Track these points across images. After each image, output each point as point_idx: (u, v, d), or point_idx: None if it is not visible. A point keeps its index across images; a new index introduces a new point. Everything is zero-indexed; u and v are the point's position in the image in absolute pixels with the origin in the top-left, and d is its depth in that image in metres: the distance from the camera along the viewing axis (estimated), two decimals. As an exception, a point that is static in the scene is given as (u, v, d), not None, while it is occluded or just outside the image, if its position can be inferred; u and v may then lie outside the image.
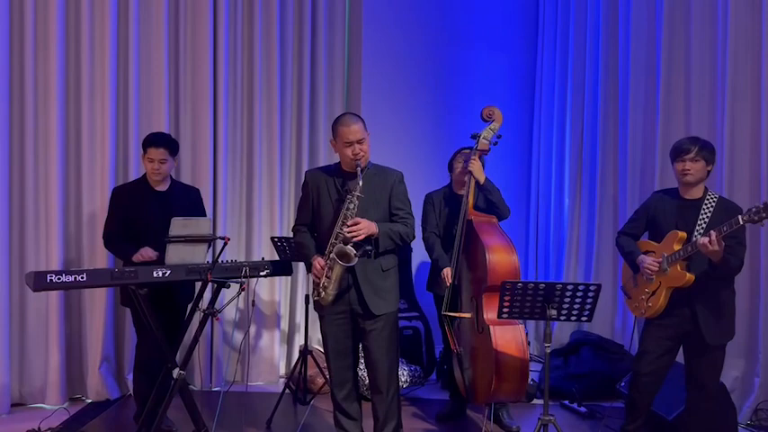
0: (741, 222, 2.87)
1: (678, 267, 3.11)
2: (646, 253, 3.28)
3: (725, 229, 2.91)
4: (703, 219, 3.13)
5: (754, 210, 2.83)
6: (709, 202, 3.16)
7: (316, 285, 3.10)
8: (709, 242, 2.91)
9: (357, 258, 2.95)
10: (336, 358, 3.20)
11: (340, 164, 3.20)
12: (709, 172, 3.20)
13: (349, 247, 2.96)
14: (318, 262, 3.06)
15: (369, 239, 3.03)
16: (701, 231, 3.09)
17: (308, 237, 3.23)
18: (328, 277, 3.02)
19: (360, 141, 3.05)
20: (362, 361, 3.79)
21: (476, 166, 3.74)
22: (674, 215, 3.22)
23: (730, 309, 3.18)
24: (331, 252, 3.01)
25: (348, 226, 2.97)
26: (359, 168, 3.01)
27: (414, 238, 3.24)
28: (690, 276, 3.09)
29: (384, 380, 3.15)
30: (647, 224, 3.38)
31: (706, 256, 3.02)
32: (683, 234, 3.13)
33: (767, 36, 3.88)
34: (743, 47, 4.03)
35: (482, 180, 3.76)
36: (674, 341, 3.23)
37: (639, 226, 3.41)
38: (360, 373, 4.13)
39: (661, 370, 3.26)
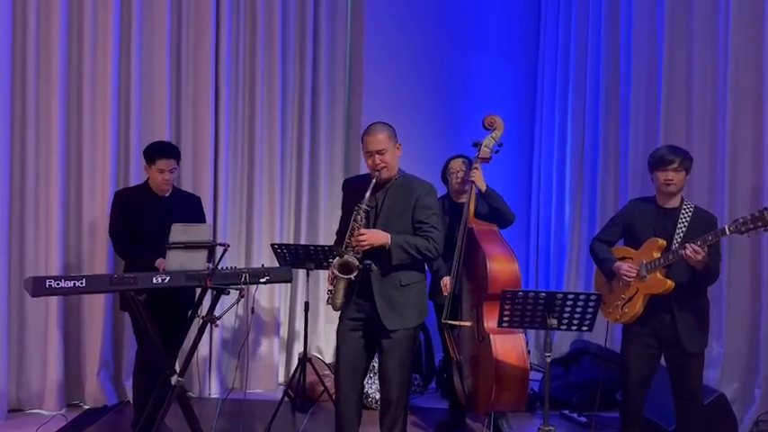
0: (728, 233, 2.91)
1: (658, 274, 3.14)
2: (622, 259, 3.29)
3: (710, 238, 2.95)
4: (681, 227, 3.16)
5: (741, 221, 2.87)
6: (686, 211, 3.19)
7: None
8: (695, 251, 2.94)
9: (357, 271, 2.93)
10: (346, 365, 3.12)
11: None
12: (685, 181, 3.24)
13: (351, 258, 2.94)
14: (331, 270, 3.03)
15: (377, 253, 2.97)
16: (680, 240, 3.13)
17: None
18: (334, 286, 3.01)
19: (381, 152, 3.01)
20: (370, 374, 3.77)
21: (477, 174, 3.76)
22: (651, 223, 3.25)
23: (707, 316, 3.24)
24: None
25: (355, 237, 2.95)
26: (374, 180, 2.99)
27: (438, 253, 3.10)
28: (670, 283, 3.11)
29: (395, 394, 3.07)
30: (623, 231, 3.39)
31: (685, 264, 3.05)
32: (662, 242, 3.16)
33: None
34: (743, 55, 4.02)
35: (483, 188, 3.77)
36: (656, 348, 3.24)
37: (616, 233, 3.42)
38: (366, 386, 4.11)
39: (649, 376, 3.28)
